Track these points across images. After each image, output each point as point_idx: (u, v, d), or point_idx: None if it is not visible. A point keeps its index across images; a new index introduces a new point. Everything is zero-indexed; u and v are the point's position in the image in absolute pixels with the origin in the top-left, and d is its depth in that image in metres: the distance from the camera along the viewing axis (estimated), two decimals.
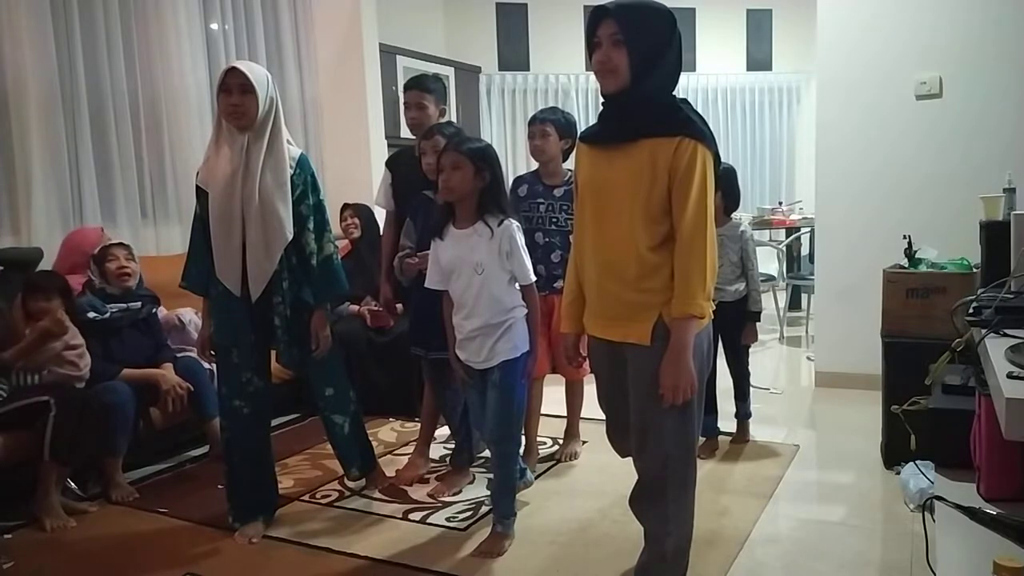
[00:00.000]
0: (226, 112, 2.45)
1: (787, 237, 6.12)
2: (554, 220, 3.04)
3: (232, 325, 2.58)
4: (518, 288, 2.47)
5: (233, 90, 2.42)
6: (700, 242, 1.75)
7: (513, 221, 2.43)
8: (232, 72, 2.44)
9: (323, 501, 2.93)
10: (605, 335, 1.92)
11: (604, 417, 2.11)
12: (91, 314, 3.08)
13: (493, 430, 2.47)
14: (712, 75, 7.48)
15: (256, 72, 2.48)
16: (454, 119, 6.16)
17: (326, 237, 2.62)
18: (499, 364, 2.42)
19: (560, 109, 3.16)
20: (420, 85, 3.13)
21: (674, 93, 1.84)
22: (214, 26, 4.50)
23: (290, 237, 2.51)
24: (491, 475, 2.94)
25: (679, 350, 1.76)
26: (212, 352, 2.68)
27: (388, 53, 5.47)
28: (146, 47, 4.08)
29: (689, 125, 1.76)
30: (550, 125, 3.01)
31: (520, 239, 2.42)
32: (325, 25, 5.13)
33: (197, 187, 2.56)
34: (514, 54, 7.14)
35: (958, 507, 1.61)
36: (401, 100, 3.23)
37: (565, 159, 3.08)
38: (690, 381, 1.78)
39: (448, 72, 6.23)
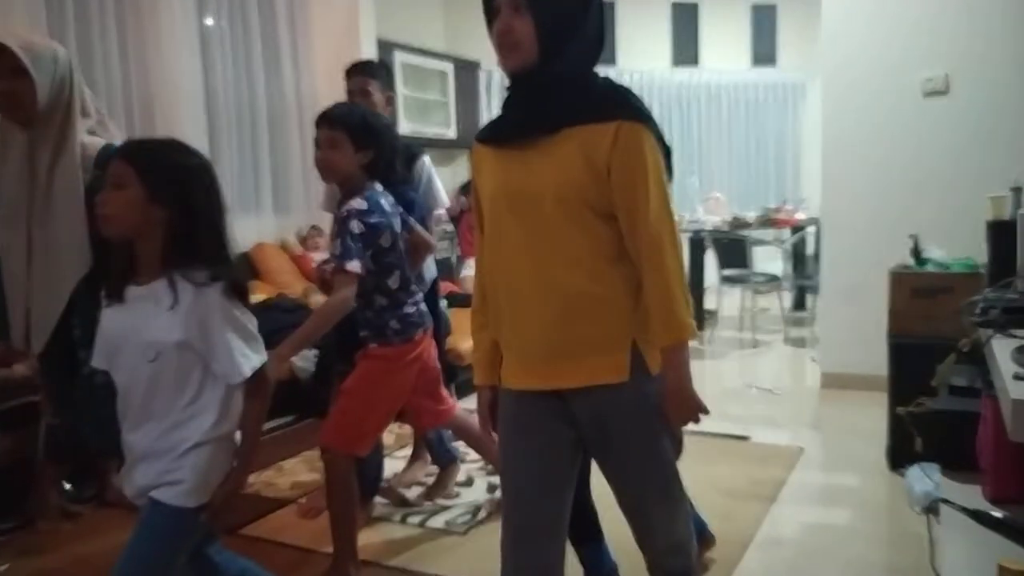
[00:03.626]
0: None
1: (792, 236, 6.09)
2: None
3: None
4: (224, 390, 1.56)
5: (3, 74, 1.84)
6: (669, 246, 1.38)
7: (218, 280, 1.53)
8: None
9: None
10: (554, 383, 1.45)
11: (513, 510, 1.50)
12: None
13: None
14: (716, 71, 7.44)
15: (35, 48, 1.86)
16: (452, 115, 6.16)
17: None
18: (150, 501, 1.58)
19: (359, 106, 2.41)
20: (364, 71, 2.77)
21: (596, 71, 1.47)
22: (209, 21, 4.49)
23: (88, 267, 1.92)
24: (490, 476, 2.94)
25: (678, 383, 1.42)
26: None
27: (386, 48, 5.44)
28: (140, 43, 4.06)
29: (625, 106, 1.40)
30: (340, 129, 2.15)
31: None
32: (322, 19, 5.10)
33: None
34: None
35: (963, 510, 1.59)
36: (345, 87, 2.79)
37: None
38: (699, 410, 1.45)
39: (447, 67, 6.21)
